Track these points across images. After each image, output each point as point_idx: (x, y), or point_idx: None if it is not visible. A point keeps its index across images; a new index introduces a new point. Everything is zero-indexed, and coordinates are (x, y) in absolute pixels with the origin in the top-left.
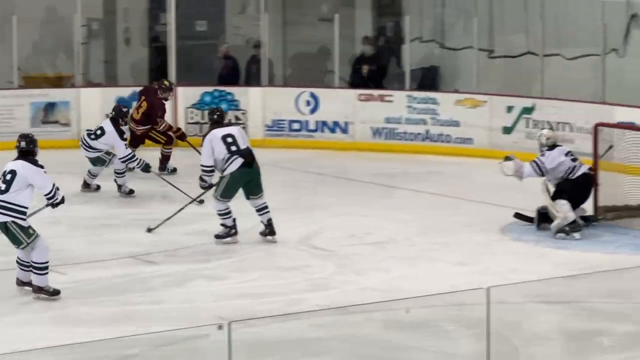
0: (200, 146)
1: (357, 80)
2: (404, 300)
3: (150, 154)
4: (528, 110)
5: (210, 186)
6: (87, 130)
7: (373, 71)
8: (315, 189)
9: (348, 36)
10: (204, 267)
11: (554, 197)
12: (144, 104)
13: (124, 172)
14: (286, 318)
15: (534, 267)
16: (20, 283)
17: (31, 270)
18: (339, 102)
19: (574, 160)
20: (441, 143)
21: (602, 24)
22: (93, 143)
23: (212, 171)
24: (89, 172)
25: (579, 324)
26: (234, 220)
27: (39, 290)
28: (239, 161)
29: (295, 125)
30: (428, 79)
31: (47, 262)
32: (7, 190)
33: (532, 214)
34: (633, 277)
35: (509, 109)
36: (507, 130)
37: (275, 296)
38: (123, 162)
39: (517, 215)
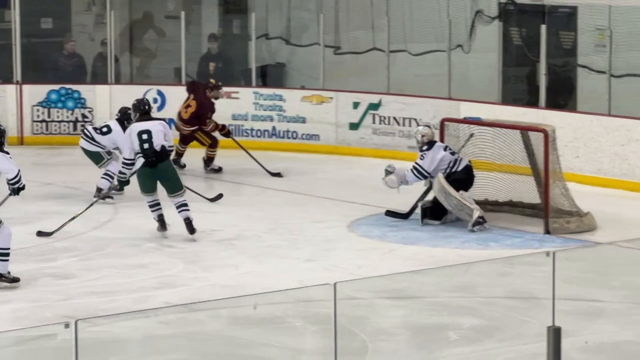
0: None
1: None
2: (251, 296)
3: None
4: (374, 106)
5: (127, 181)
6: (93, 126)
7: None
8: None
9: (195, 34)
10: (51, 266)
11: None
12: (193, 104)
13: (113, 178)
14: (133, 315)
15: (382, 263)
16: None
17: None
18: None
19: (453, 153)
20: (288, 139)
21: (448, 20)
22: (98, 137)
23: (133, 164)
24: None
25: (425, 318)
26: (159, 215)
27: None
28: (141, 160)
29: None
30: (274, 76)
31: (9, 249)
32: None
33: (402, 210)
34: (478, 272)
35: (356, 105)
36: (354, 126)
37: (123, 294)
38: (124, 164)
39: (389, 213)
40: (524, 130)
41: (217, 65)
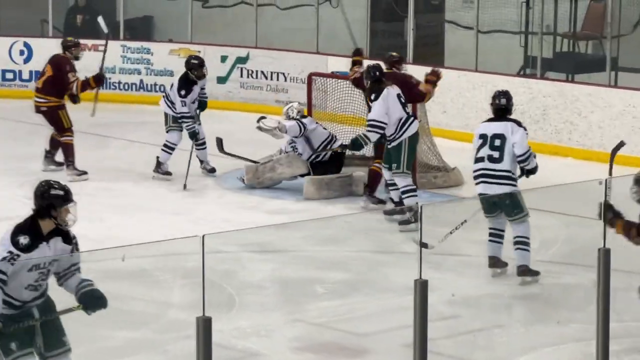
0: None
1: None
2: (119, 248)
3: None
4: (242, 60)
5: None
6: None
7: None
8: (28, 139)
9: None
10: None
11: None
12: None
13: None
14: None
15: (248, 216)
16: None
17: None
18: (53, 52)
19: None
20: (155, 93)
21: None
22: None
23: None
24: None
25: (293, 272)
26: None
27: None
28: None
29: (9, 75)
30: (142, 29)
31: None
32: None
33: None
34: (342, 226)
35: (223, 58)
36: (222, 80)
37: None
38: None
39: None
40: None
41: (84, 17)
